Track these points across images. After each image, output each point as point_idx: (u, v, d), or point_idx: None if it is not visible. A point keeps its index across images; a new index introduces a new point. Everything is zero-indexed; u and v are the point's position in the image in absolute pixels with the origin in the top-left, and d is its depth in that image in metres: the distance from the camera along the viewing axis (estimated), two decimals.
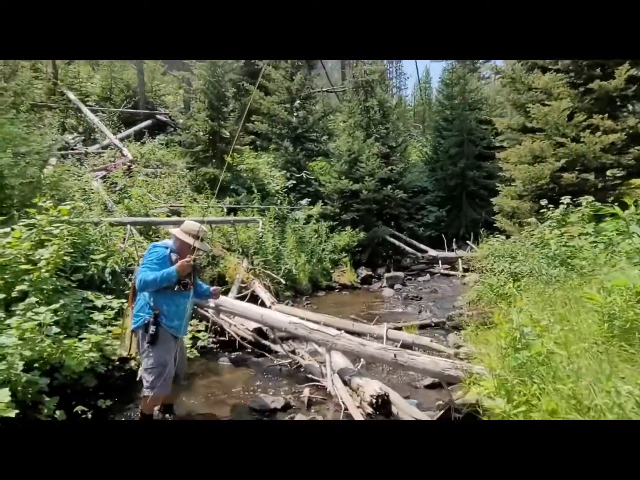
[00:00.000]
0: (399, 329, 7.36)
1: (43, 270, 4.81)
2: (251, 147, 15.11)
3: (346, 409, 4.60)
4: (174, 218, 9.41)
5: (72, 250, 5.58)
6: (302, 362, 6.19)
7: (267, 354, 6.68)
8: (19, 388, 3.75)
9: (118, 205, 9.64)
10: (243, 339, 7.01)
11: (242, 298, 8.63)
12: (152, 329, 4.00)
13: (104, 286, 5.95)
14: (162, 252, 4.09)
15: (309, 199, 13.97)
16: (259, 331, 6.97)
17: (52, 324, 4.40)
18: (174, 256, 4.14)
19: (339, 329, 5.67)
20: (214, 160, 13.10)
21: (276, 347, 6.70)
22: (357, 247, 13.52)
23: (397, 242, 14.64)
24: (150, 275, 3.93)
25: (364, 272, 12.92)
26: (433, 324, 7.94)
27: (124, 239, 7.17)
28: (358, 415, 4.34)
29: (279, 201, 13.04)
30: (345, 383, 5.02)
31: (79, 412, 4.33)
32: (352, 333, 7.23)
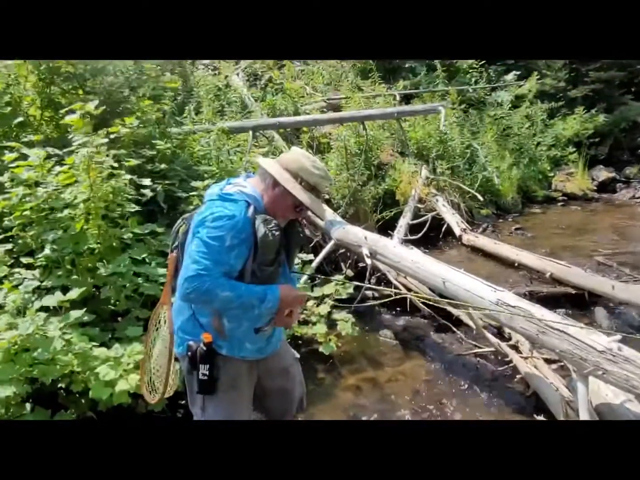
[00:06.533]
0: None
1: (73, 213, 2.91)
2: None
3: None
4: (325, 115, 6.97)
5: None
6: (516, 361, 3.51)
7: (454, 328, 4.15)
8: None
9: (261, 103, 7.60)
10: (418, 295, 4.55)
11: (418, 227, 6.03)
12: (203, 369, 1.84)
13: None
14: (240, 217, 1.77)
15: (518, 72, 9.95)
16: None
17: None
18: (261, 224, 1.79)
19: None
20: None
21: (468, 320, 4.10)
22: (592, 136, 9.25)
23: None
24: (223, 289, 1.74)
25: (602, 174, 8.86)
26: None
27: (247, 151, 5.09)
28: None
29: (473, 80, 9.46)
30: None
31: None
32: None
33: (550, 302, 4.08)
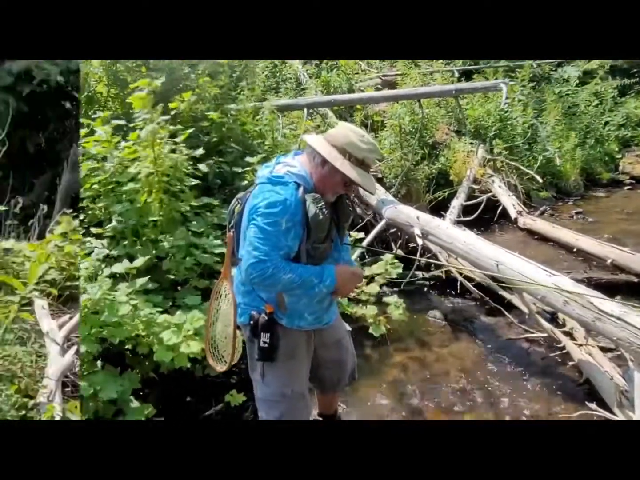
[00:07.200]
0: None
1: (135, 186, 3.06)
2: None
3: None
4: (381, 93, 6.87)
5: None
6: (570, 348, 3.41)
7: (506, 312, 4.07)
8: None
9: (316, 79, 7.57)
10: (469, 279, 4.49)
11: (472, 209, 5.90)
12: (264, 337, 1.93)
13: None
14: (291, 200, 1.80)
15: None
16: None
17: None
18: (311, 204, 1.83)
19: None
20: None
21: (521, 304, 4.00)
22: None
23: None
24: (285, 272, 1.80)
25: None
26: None
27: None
28: None
29: None
30: None
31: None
32: None
33: (610, 289, 3.91)
